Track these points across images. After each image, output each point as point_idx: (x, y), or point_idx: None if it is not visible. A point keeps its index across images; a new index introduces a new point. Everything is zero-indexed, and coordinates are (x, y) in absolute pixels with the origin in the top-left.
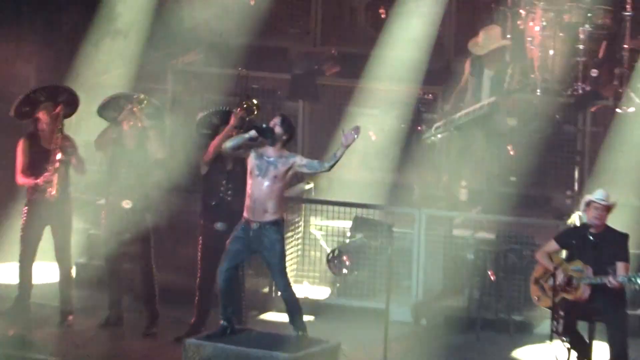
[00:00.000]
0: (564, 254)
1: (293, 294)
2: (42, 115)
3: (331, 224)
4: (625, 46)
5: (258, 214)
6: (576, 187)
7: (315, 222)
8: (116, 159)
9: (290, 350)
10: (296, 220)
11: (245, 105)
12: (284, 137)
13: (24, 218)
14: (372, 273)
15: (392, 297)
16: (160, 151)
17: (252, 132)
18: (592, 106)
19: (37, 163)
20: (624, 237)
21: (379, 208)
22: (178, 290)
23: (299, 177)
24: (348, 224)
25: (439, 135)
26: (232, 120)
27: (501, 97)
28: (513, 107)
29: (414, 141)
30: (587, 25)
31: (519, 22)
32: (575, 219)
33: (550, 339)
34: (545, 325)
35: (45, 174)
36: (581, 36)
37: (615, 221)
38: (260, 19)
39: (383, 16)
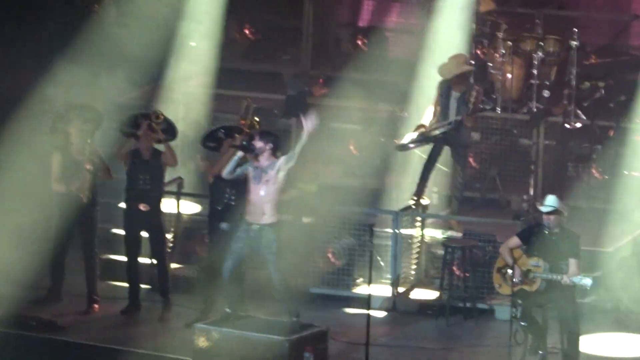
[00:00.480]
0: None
1: (287, 285)
2: (73, 130)
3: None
4: (573, 70)
5: (257, 216)
6: (531, 191)
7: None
8: (134, 168)
9: (285, 334)
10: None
11: (248, 128)
12: (268, 148)
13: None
14: (356, 266)
15: (373, 287)
16: (173, 161)
17: (239, 153)
18: (545, 122)
19: (69, 172)
20: (576, 236)
21: (362, 210)
22: (188, 281)
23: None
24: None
25: (412, 146)
26: (237, 141)
27: (466, 115)
28: (476, 124)
29: (392, 152)
30: (540, 53)
31: (482, 50)
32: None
33: (510, 324)
34: (505, 311)
35: (76, 181)
36: (535, 62)
37: (567, 221)
38: (258, 48)
39: (362, 45)
